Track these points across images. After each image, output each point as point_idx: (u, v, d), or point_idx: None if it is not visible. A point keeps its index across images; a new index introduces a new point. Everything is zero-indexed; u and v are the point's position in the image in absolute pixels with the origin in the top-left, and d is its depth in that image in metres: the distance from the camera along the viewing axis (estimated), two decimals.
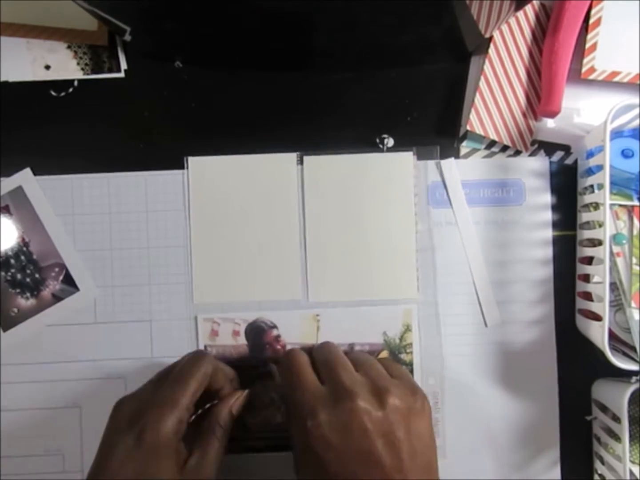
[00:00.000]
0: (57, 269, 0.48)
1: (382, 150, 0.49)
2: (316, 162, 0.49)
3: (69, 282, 0.48)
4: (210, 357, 0.42)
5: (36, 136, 0.49)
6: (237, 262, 0.49)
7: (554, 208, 0.49)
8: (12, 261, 0.48)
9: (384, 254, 0.49)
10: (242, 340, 0.48)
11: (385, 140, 0.48)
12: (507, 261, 0.49)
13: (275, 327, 0.49)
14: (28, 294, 0.48)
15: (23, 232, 0.48)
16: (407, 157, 0.49)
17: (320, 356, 0.42)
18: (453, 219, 0.49)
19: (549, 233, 0.49)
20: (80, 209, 0.49)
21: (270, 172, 0.49)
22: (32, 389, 0.48)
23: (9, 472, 0.48)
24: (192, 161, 0.49)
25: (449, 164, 0.49)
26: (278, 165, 0.49)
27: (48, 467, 0.48)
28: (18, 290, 0.48)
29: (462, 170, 0.49)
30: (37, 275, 0.48)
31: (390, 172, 0.49)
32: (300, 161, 0.49)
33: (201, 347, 0.48)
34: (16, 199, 0.49)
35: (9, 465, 0.48)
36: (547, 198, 0.49)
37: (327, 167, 0.49)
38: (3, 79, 0.49)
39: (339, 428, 0.36)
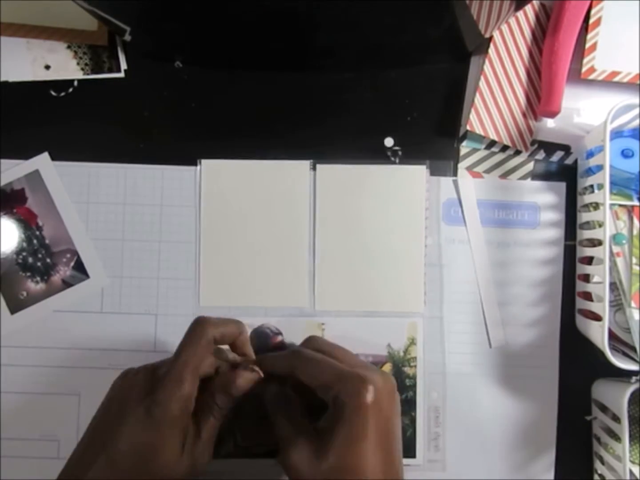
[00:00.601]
0: (68, 255, 0.49)
1: (393, 162, 0.49)
2: (329, 171, 0.49)
3: (80, 269, 0.49)
4: (210, 323, 0.40)
5: (36, 136, 0.49)
6: (244, 267, 0.49)
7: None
8: (25, 244, 0.49)
9: (392, 266, 0.49)
10: None
11: (398, 152, 0.48)
12: (514, 282, 0.49)
13: (280, 333, 0.49)
14: (38, 278, 0.49)
15: (37, 216, 0.49)
16: (419, 171, 0.49)
17: (320, 347, 0.42)
18: (465, 237, 0.49)
19: (560, 257, 0.49)
20: (96, 198, 0.49)
21: (282, 178, 0.49)
22: (33, 373, 0.49)
23: (3, 454, 0.48)
24: (205, 163, 0.49)
25: (466, 182, 0.49)
26: (291, 172, 0.49)
27: (43, 452, 0.48)
28: (28, 274, 0.49)
29: (478, 189, 0.49)
30: (48, 260, 0.49)
31: (402, 185, 0.49)
32: (313, 169, 0.49)
33: None
34: (32, 183, 0.49)
35: (3, 447, 0.48)
36: (561, 224, 0.49)
37: (340, 176, 0.49)
38: (3, 79, 0.49)
39: (389, 394, 0.38)
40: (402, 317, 0.49)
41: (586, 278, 0.47)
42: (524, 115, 0.49)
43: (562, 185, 0.49)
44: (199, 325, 0.40)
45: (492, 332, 0.49)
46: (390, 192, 0.49)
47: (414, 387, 0.48)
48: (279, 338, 0.48)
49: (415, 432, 0.48)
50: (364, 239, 0.49)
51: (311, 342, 0.43)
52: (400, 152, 0.49)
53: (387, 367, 0.48)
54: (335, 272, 0.49)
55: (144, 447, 0.37)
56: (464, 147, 0.50)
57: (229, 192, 0.49)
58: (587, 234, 0.47)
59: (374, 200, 0.49)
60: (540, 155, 0.49)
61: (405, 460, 0.47)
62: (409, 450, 0.48)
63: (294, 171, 0.49)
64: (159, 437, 0.37)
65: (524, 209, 0.49)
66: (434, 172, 0.49)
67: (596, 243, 0.46)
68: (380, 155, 0.49)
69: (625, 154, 0.46)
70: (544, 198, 0.49)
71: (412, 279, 0.49)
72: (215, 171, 0.49)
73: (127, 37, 0.48)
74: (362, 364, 0.40)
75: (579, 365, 0.48)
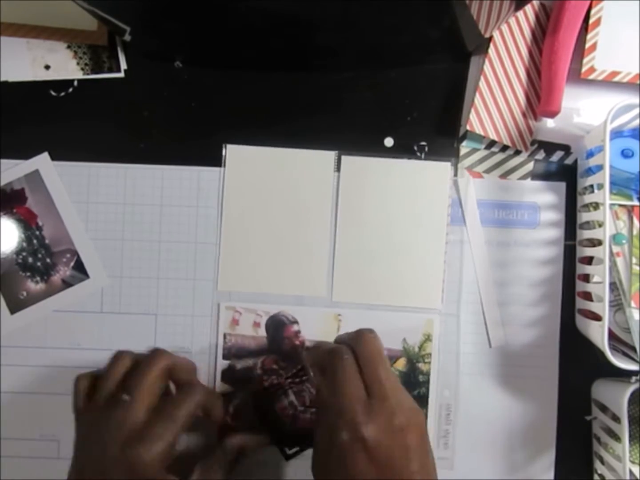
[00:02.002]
0: (68, 255, 0.49)
1: (419, 158, 0.49)
2: (353, 163, 0.49)
3: (80, 269, 0.49)
4: (199, 388, 0.43)
5: (36, 136, 0.49)
6: (264, 254, 0.49)
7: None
8: (24, 244, 0.49)
9: (412, 261, 0.49)
10: (262, 332, 0.49)
11: (425, 147, 0.48)
12: (514, 282, 0.49)
13: (296, 322, 0.49)
14: (38, 278, 0.49)
15: (37, 216, 0.49)
16: (444, 167, 0.49)
17: (365, 353, 0.39)
18: (465, 237, 0.49)
19: (560, 257, 0.49)
20: (95, 197, 0.49)
21: (307, 168, 0.49)
22: (33, 373, 0.49)
23: (3, 454, 0.48)
24: (230, 149, 0.49)
25: (466, 182, 0.49)
26: (316, 162, 0.49)
27: (43, 452, 0.48)
28: (28, 274, 0.49)
29: (478, 189, 0.49)
30: (48, 260, 0.49)
31: (426, 181, 0.49)
32: (338, 160, 0.49)
33: (220, 336, 0.48)
34: (32, 183, 0.49)
35: (3, 447, 0.48)
36: (561, 224, 0.49)
37: (364, 169, 0.49)
38: (3, 79, 0.49)
39: (382, 444, 0.36)
40: (419, 313, 0.49)
41: (586, 278, 0.47)
42: (524, 115, 0.49)
43: (562, 185, 0.49)
44: (188, 391, 0.42)
45: (492, 332, 0.48)
46: (413, 187, 0.49)
47: (426, 383, 0.48)
48: (295, 327, 0.49)
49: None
50: (384, 232, 0.49)
51: (360, 342, 0.40)
52: (426, 148, 0.49)
53: (402, 362, 0.48)
54: (355, 264, 0.49)
55: None
56: (464, 147, 0.50)
57: (253, 178, 0.49)
58: (587, 234, 0.47)
59: (397, 194, 0.49)
60: (540, 155, 0.49)
61: None
62: None
63: (319, 161, 0.49)
64: None
65: (524, 209, 0.49)
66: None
67: (596, 243, 0.46)
68: (379, 155, 0.49)
69: (625, 154, 0.46)
70: (544, 198, 0.49)
71: (432, 276, 0.49)
72: (240, 157, 0.49)
73: (127, 37, 0.48)
74: (380, 394, 0.38)
75: (579, 365, 0.48)
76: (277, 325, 0.49)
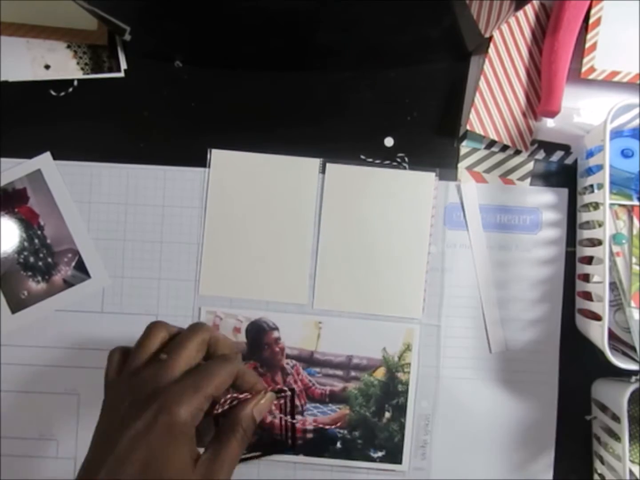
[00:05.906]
0: (70, 255, 0.49)
1: (403, 168, 0.49)
2: (338, 171, 0.49)
3: (81, 269, 0.49)
4: (239, 357, 0.42)
5: (36, 136, 0.49)
6: (247, 260, 0.49)
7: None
8: (26, 244, 0.49)
9: (394, 271, 0.49)
10: (242, 337, 0.49)
11: (405, 158, 0.48)
12: (515, 287, 0.49)
13: (276, 328, 0.49)
14: (39, 278, 0.49)
15: (39, 215, 0.49)
16: (428, 178, 0.49)
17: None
18: (467, 242, 0.49)
19: (561, 263, 0.49)
20: (97, 197, 0.49)
21: (291, 174, 0.49)
22: (33, 372, 0.49)
23: (3, 453, 0.48)
24: (215, 153, 0.49)
25: (469, 187, 0.49)
26: (300, 169, 0.49)
27: (42, 451, 0.48)
28: (30, 273, 0.49)
29: (481, 194, 0.49)
30: (49, 260, 0.49)
31: (410, 191, 0.49)
32: (323, 168, 0.49)
33: None
34: (34, 182, 0.49)
35: (3, 447, 0.48)
36: (563, 230, 0.49)
37: (349, 177, 0.49)
38: (3, 78, 0.49)
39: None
40: (400, 323, 0.49)
41: (586, 278, 0.47)
42: (524, 115, 0.49)
43: (564, 191, 0.49)
44: (231, 356, 0.40)
45: (492, 336, 0.48)
46: (397, 196, 0.49)
47: (405, 393, 0.48)
48: (275, 334, 0.49)
49: (403, 438, 0.48)
50: (367, 241, 0.49)
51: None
52: (407, 158, 0.49)
53: (381, 372, 0.48)
54: (337, 272, 0.49)
55: (150, 453, 0.35)
56: (464, 147, 0.50)
57: (237, 183, 0.49)
58: (587, 234, 0.47)
59: (381, 203, 0.49)
60: (540, 155, 0.49)
61: (391, 466, 0.48)
62: (396, 456, 0.48)
63: (303, 168, 0.49)
64: (166, 444, 0.35)
65: (526, 214, 0.49)
66: (440, 178, 0.49)
67: (596, 243, 0.46)
68: (380, 155, 0.49)
69: (625, 153, 0.46)
70: (546, 203, 0.49)
71: (413, 286, 0.49)
72: (224, 161, 0.49)
73: (127, 37, 0.48)
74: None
75: (579, 365, 0.48)
76: (258, 331, 0.49)
